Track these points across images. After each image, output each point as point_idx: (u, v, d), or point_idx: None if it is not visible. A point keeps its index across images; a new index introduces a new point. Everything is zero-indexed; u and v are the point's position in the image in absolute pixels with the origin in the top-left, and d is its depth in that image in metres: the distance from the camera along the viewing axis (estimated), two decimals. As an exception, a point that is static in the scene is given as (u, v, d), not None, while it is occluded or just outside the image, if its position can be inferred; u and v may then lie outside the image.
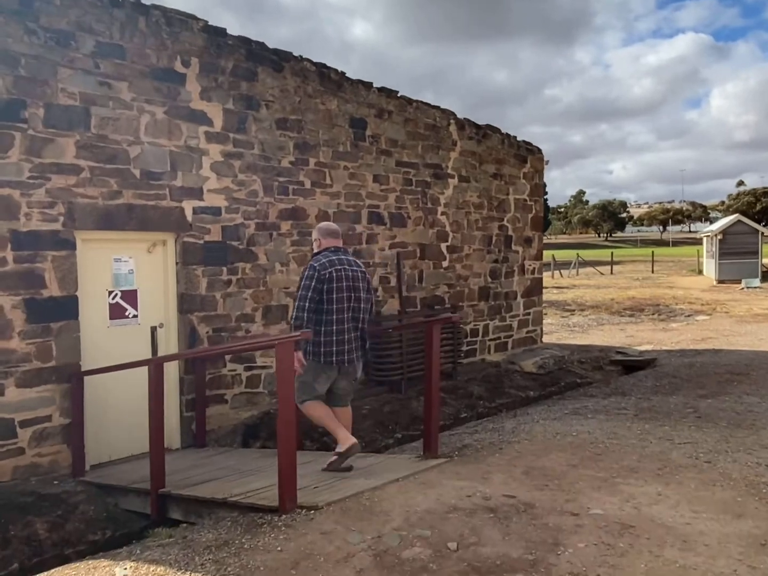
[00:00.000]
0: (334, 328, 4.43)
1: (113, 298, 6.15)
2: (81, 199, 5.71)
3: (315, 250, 4.81)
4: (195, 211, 6.51)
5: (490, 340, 10.36)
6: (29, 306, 5.42)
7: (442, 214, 9.39)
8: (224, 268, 6.76)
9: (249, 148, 6.96)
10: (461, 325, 9.37)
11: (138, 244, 6.30)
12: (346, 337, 4.50)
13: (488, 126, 10.24)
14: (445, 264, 9.46)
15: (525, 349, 10.89)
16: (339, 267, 4.45)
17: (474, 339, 10.03)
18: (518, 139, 10.92)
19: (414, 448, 5.45)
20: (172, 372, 6.48)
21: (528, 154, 11.10)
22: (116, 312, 6.17)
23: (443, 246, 9.44)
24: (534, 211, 11.27)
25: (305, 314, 4.34)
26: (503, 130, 10.56)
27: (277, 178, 7.23)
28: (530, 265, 11.21)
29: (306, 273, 4.49)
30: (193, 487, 4.54)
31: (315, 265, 4.47)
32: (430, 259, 9.21)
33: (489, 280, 10.29)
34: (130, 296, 6.27)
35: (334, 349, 4.44)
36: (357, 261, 4.73)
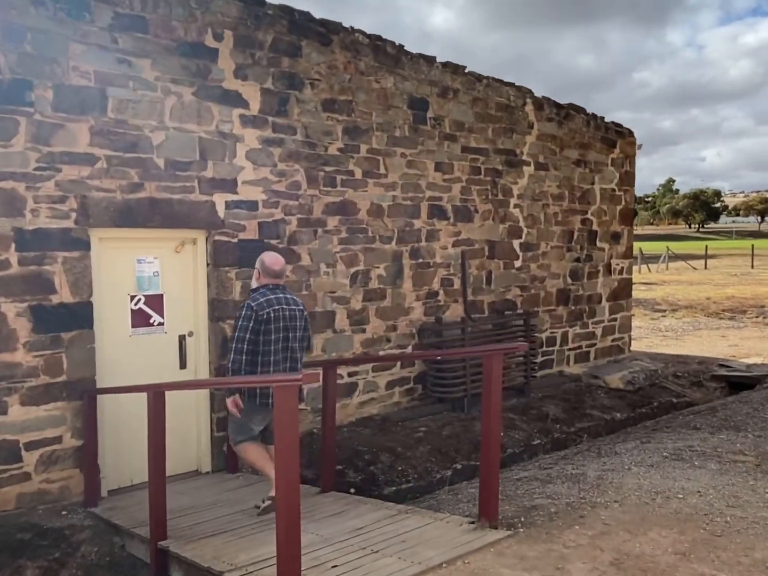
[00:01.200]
0: (271, 369, 4.31)
1: (136, 304, 5.48)
2: (96, 192, 5.05)
3: (253, 284, 4.63)
4: (228, 205, 5.74)
5: (570, 349, 9.15)
6: (36, 314, 4.81)
7: (515, 206, 8.26)
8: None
9: (291, 134, 6.13)
10: (536, 333, 8.24)
11: (164, 243, 5.60)
12: (278, 372, 4.30)
13: (571, 105, 8.98)
14: (517, 264, 8.34)
15: (610, 360, 9.61)
16: (277, 307, 4.33)
17: (550, 348, 8.86)
18: (606, 120, 9.59)
19: (472, 495, 4.46)
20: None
21: (617, 138, 9.74)
22: (139, 319, 5.49)
23: (516, 243, 8.31)
24: (623, 203, 9.91)
25: (243, 357, 4.26)
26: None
27: (322, 167, 6.37)
28: (618, 264, 9.88)
29: (243, 313, 4.33)
30: (197, 543, 3.76)
31: (252, 305, 4.32)
32: (500, 258, 8.12)
33: (569, 281, 9.07)
34: (156, 302, 5.58)
35: (270, 391, 4.24)
36: (296, 299, 4.57)
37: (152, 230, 5.40)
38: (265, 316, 4.26)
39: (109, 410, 5.35)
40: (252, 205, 5.89)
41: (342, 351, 6.64)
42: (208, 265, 5.75)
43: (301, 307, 4.52)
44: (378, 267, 6.88)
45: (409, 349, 7.21)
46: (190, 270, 5.75)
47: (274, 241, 6.05)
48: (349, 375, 6.74)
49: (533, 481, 4.45)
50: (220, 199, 5.69)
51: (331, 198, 6.46)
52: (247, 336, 4.24)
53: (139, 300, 5.51)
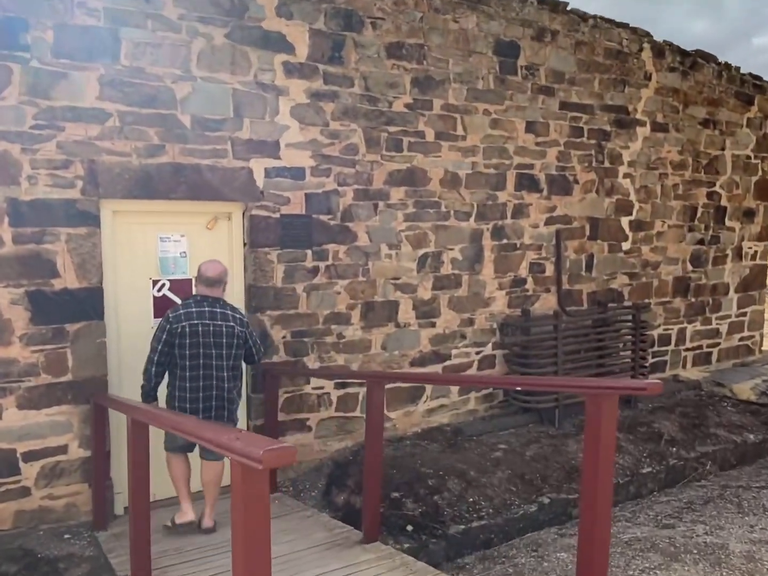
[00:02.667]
0: (187, 384, 3.95)
1: (159, 290, 4.64)
2: (107, 156, 4.20)
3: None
4: (268, 173, 4.76)
5: (687, 350, 7.60)
6: (35, 301, 4.05)
7: (625, 176, 6.79)
8: (308, 252, 4.98)
9: (346, 86, 5.04)
10: (647, 331, 6.79)
11: (192, 219, 4.70)
12: (201, 395, 3.95)
13: (698, 52, 7.31)
14: (626, 246, 6.89)
15: (736, 364, 7.98)
16: (196, 322, 3.91)
17: (664, 348, 7.37)
18: (742, 72, 7.82)
19: (563, 563, 3.27)
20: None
21: (755, 93, 7.95)
22: (164, 308, 4.63)
23: (625, 221, 6.86)
24: (760, 173, 8.14)
25: (153, 368, 3.96)
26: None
27: (386, 127, 5.25)
28: (750, 248, 8.16)
29: (160, 323, 4.02)
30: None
31: (170, 315, 3.96)
32: (604, 239, 6.71)
33: (689, 268, 7.50)
34: (183, 287, 4.71)
35: (187, 406, 3.94)
36: (230, 314, 4.05)
37: (177, 203, 4.51)
38: (179, 329, 3.87)
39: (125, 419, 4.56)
40: (297, 173, 4.88)
41: (406, 349, 5.56)
42: (244, 245, 4.82)
43: (234, 324, 3.98)
44: (452, 249, 5.72)
45: (489, 349, 6.02)
46: (224, 251, 4.84)
47: (324, 217, 5.03)
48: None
49: (651, 551, 3.22)
50: (258, 166, 4.71)
51: (396, 165, 5.34)
52: (159, 347, 3.92)
53: (163, 285, 4.66)
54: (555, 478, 5.07)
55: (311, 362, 5.08)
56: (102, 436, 4.19)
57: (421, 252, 5.54)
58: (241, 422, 4.92)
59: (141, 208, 4.44)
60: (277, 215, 4.81)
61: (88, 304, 4.19)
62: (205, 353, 3.91)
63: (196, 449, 4.03)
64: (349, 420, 5.29)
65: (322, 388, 5.16)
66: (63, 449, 4.21)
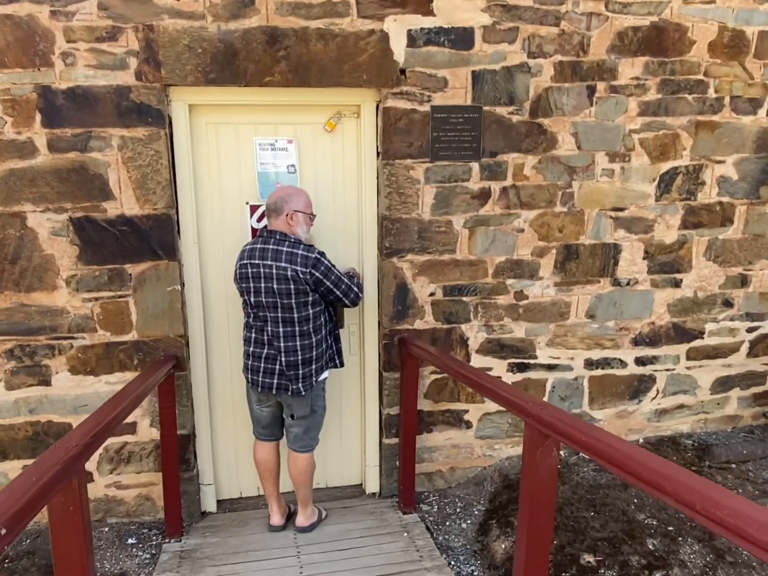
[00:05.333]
0: (245, 334, 3.04)
1: (260, 219, 3.30)
2: (170, 20, 2.84)
3: None
4: (413, 39, 3.04)
5: None
6: (82, 232, 2.96)
7: None
8: (475, 166, 3.22)
9: None
10: None
11: (304, 116, 3.21)
12: (254, 350, 2.98)
13: None
14: None
15: None
16: (245, 262, 2.91)
17: None
18: None
19: None
20: (369, 362, 3.47)
21: None
22: (268, 244, 3.32)
23: None
24: None
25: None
26: None
27: (616, -49, 3.14)
28: None
29: None
30: None
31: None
32: None
33: None
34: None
35: (249, 363, 3.02)
36: (289, 249, 2.82)
37: (277, 91, 3.04)
38: (236, 272, 2.99)
39: (218, 385, 3.41)
40: (461, 38, 3.07)
41: (628, 318, 3.60)
42: (378, 155, 3.22)
43: (288, 264, 2.83)
44: (721, 161, 3.50)
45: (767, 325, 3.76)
46: (350, 163, 3.31)
47: (502, 110, 3.19)
48: (639, 361, 3.71)
49: None
50: (397, 28, 3.01)
51: (631, 19, 3.23)
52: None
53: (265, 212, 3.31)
54: None
55: (473, 332, 3.43)
56: (171, 412, 3.08)
57: (665, 166, 3.43)
58: (373, 406, 3.51)
59: (227, 100, 3.05)
60: (426, 108, 3.11)
61: (154, 237, 3.00)
62: (256, 303, 2.92)
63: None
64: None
65: (489, 369, 3.50)
66: (130, 428, 3.20)
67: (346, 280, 2.92)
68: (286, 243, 2.84)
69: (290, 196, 2.91)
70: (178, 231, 3.09)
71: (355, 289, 2.95)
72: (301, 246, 2.85)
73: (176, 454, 3.13)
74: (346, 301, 2.95)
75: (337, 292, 2.90)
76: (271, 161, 3.24)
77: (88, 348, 3.07)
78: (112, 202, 2.94)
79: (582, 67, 3.22)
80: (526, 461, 2.01)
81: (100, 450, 3.19)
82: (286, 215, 2.88)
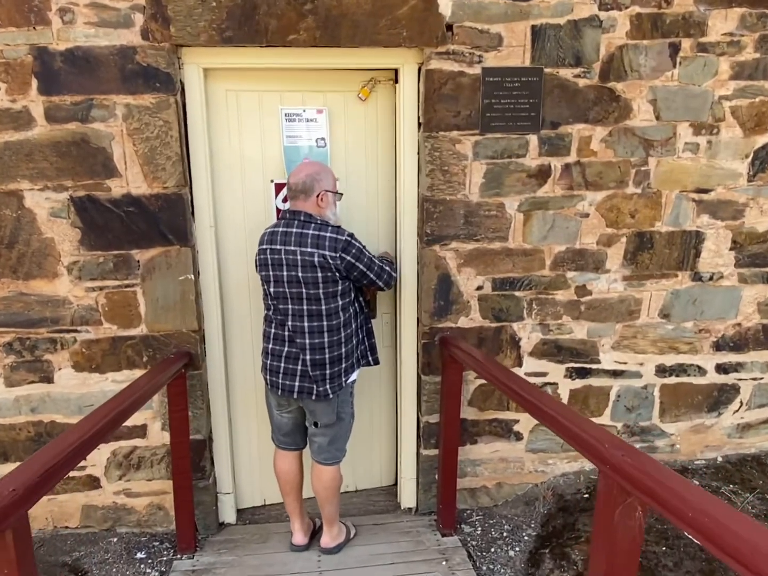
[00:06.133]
0: (264, 329, 2.67)
1: (285, 200, 2.93)
2: (181, -31, 2.47)
3: None
4: (463, -12, 2.59)
5: None
6: (85, 213, 2.63)
7: None
8: (532, 139, 2.75)
9: None
10: None
11: (334, 82, 2.80)
12: (273, 348, 2.61)
13: None
14: None
15: None
16: (265, 247, 2.55)
17: None
18: None
19: None
20: (406, 362, 3.07)
21: None
22: (294, 228, 2.94)
23: None
24: None
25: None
26: None
27: None
28: None
29: None
30: None
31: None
32: None
33: None
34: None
35: (267, 362, 2.64)
36: (315, 233, 2.44)
37: (303, 52, 2.64)
38: (258, 259, 2.60)
39: (238, 384, 3.08)
40: (519, -14, 2.60)
41: (709, 318, 3.09)
42: (419, 126, 2.79)
43: (315, 249, 2.44)
44: (831, 134, 2.93)
45: None
46: (386, 135, 2.89)
47: (567, 72, 2.70)
48: (720, 368, 3.19)
49: None
50: (444, -25, 2.56)
51: (727, -40, 2.68)
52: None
53: (289, 193, 2.93)
54: None
55: (526, 332, 2.98)
56: (183, 416, 2.76)
57: (761, 140, 2.89)
58: (407, 415, 3.12)
59: (246, 63, 2.66)
60: (477, 70, 2.65)
61: (164, 219, 2.66)
62: (276, 294, 2.55)
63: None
64: (588, 431, 3.12)
65: (544, 374, 3.05)
66: (140, 431, 2.90)
67: (377, 261, 2.54)
68: (312, 225, 2.47)
69: (319, 174, 2.53)
70: (192, 213, 2.74)
71: (387, 268, 2.59)
72: (329, 228, 2.47)
73: (188, 462, 2.81)
74: (380, 283, 2.58)
75: (371, 275, 2.53)
76: (298, 134, 2.85)
77: (92, 342, 2.76)
78: (117, 179, 2.60)
79: (664, 20, 2.70)
80: (599, 520, 1.55)
81: (107, 454, 2.90)
82: (317, 196, 2.51)
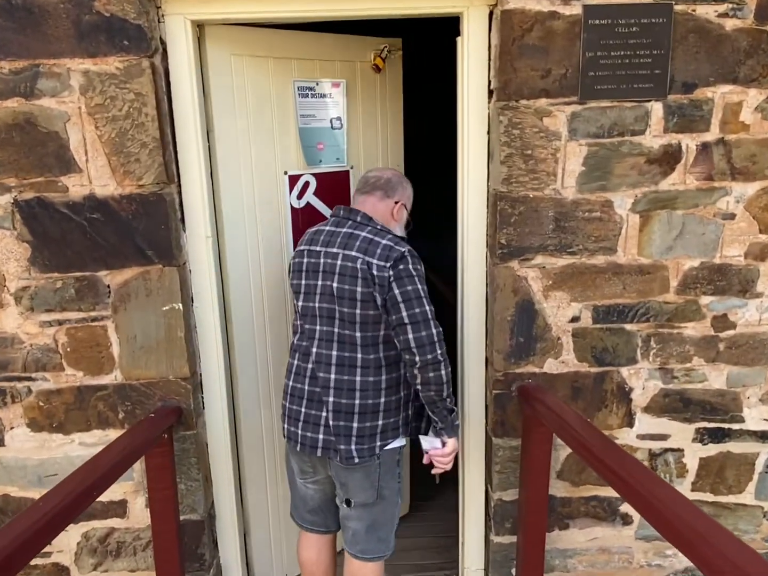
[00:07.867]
0: (288, 362, 1.99)
1: (300, 196, 2.18)
2: None
3: None
4: None
5: None
6: (33, 222, 1.94)
7: None
8: (655, 108, 1.91)
9: None
10: None
11: (344, 50, 2.05)
12: (294, 385, 1.93)
13: None
14: None
15: None
16: (303, 248, 1.91)
17: None
18: None
19: None
20: (471, 419, 2.28)
21: None
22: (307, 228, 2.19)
23: None
24: None
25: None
26: None
27: None
28: None
29: None
30: None
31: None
32: None
33: None
34: (338, 186, 2.19)
35: (286, 405, 1.96)
36: (368, 236, 1.77)
37: (320, 4, 1.88)
38: (291, 264, 1.95)
39: (251, 439, 2.35)
40: None
41: None
42: (489, 94, 1.99)
43: (360, 254, 1.74)
44: None
45: None
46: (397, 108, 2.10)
47: (706, 9, 1.86)
48: None
49: None
50: None
51: None
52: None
53: (307, 185, 2.19)
54: None
55: (640, 380, 2.15)
56: (169, 494, 2.04)
57: None
58: (473, 489, 2.32)
59: (247, 11, 1.91)
60: (576, 10, 1.84)
61: (140, 229, 1.94)
62: (304, 311, 1.89)
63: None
64: (722, 509, 2.26)
65: (664, 437, 2.21)
66: (118, 508, 2.20)
67: (428, 308, 1.73)
68: (369, 228, 1.80)
69: (406, 183, 1.96)
70: (182, 219, 2.02)
71: (434, 330, 1.73)
72: (389, 236, 1.78)
73: (178, 554, 2.10)
74: (412, 343, 1.71)
75: (404, 315, 1.71)
76: (311, 113, 2.10)
77: (52, 394, 2.07)
78: (76, 175, 1.90)
79: None
80: None
81: (78, 537, 2.21)
82: (396, 202, 1.89)
